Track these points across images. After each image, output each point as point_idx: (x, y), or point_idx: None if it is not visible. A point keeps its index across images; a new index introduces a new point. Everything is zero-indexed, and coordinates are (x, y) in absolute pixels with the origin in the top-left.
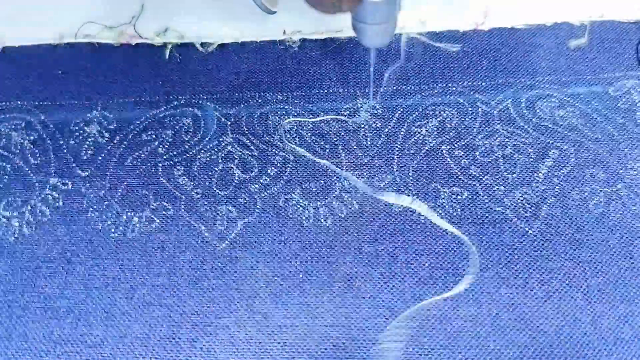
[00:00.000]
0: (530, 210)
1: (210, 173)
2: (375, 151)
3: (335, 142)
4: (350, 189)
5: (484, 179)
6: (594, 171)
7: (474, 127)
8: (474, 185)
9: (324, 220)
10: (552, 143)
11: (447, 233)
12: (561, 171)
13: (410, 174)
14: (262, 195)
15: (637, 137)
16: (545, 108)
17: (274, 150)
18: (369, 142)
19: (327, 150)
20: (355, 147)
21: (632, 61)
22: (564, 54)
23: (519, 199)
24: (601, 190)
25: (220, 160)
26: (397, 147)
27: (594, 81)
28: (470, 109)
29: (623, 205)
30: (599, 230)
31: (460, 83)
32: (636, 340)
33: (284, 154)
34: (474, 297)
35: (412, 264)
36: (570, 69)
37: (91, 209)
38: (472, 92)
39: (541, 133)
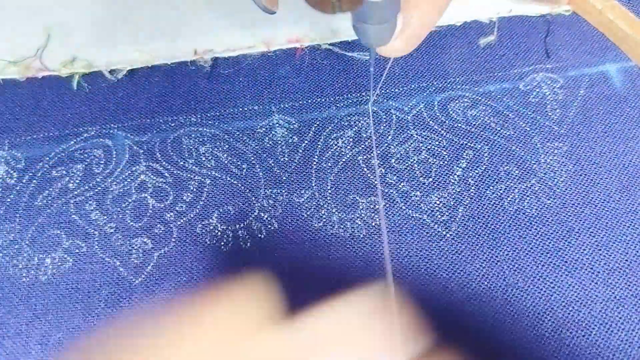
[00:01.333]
0: (447, 213)
1: (124, 205)
2: (293, 167)
3: (253, 161)
4: (269, 207)
5: (400, 186)
6: (507, 168)
7: (389, 135)
8: (391, 193)
9: (244, 243)
10: (465, 144)
11: (366, 244)
12: (475, 171)
13: (328, 188)
14: (178, 223)
15: (548, 130)
16: (458, 109)
17: (189, 175)
18: (286, 159)
19: (245, 170)
20: (272, 164)
21: (540, 55)
22: (475, 53)
23: (435, 203)
24: (515, 187)
25: (133, 191)
26: (314, 161)
27: (504, 78)
28: (384, 116)
29: (537, 200)
30: (515, 227)
31: (373, 91)
32: (555, 335)
33: (199, 178)
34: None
35: (333, 279)
36: (481, 67)
37: (1, 254)
38: (385, 100)
39: (455, 135)
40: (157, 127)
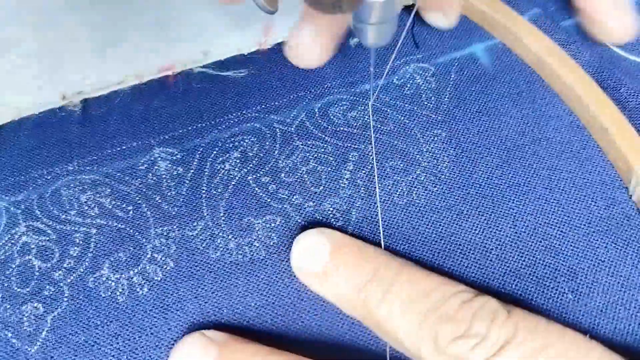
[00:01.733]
0: (341, 219)
1: (8, 272)
2: (181, 200)
3: (138, 202)
4: (162, 247)
5: (293, 200)
6: (392, 163)
7: (275, 150)
8: (285, 208)
9: (140, 289)
10: (350, 146)
11: (267, 266)
12: (363, 171)
13: (221, 215)
14: (68, 280)
15: (426, 119)
16: (338, 113)
17: (73, 228)
18: (173, 192)
19: (131, 212)
20: (160, 200)
21: (409, 46)
22: (347, 55)
23: (329, 210)
24: (402, 180)
25: (16, 255)
26: (203, 189)
27: (378, 74)
28: (268, 132)
29: (425, 189)
30: (407, 220)
31: (253, 108)
32: None
33: (84, 229)
34: None
35: (237, 307)
36: (354, 68)
37: None
38: (267, 114)
39: (338, 139)
40: (32, 182)
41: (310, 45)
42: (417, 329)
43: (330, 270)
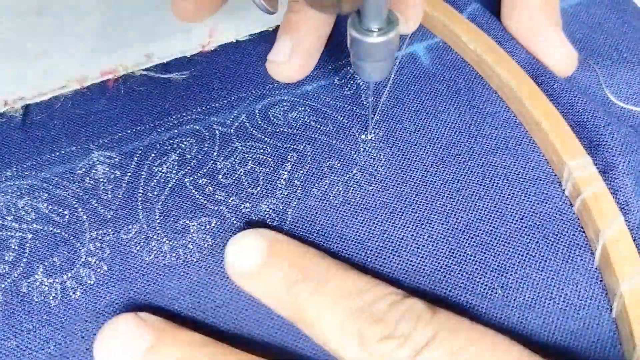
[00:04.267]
0: (277, 219)
1: None
2: (117, 203)
3: (75, 206)
4: (97, 250)
5: (230, 201)
6: (330, 163)
7: (214, 151)
8: (221, 210)
9: (73, 293)
10: (289, 146)
11: (200, 268)
12: (300, 172)
13: (156, 217)
14: (2, 286)
15: (364, 119)
16: (279, 114)
17: (9, 234)
18: (110, 196)
19: (67, 217)
20: (96, 204)
21: None
22: None
23: (265, 211)
24: (339, 180)
25: None
26: (139, 192)
27: (320, 75)
28: (207, 133)
29: (360, 188)
30: (341, 219)
31: (194, 110)
32: None
33: (20, 234)
34: None
35: (169, 310)
36: None
37: None
38: (207, 116)
39: (278, 140)
40: None
41: (289, 60)
42: (344, 329)
43: (262, 270)
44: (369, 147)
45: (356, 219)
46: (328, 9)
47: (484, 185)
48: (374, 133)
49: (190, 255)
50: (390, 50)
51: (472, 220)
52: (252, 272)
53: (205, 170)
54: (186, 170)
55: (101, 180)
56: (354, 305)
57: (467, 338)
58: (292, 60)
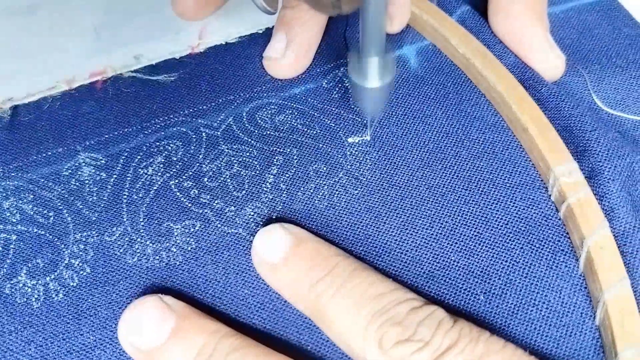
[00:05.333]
0: (262, 223)
1: None
2: (102, 205)
3: (60, 207)
4: (80, 252)
5: (214, 204)
6: (316, 167)
7: (200, 154)
8: (205, 213)
9: (55, 295)
10: (275, 150)
11: (183, 271)
12: (286, 175)
13: (141, 220)
14: None
15: (352, 122)
16: (266, 117)
17: None
18: (95, 198)
19: (52, 218)
20: (81, 206)
21: (342, 49)
22: None
23: (250, 215)
24: (324, 184)
25: None
26: (125, 195)
27: (308, 79)
28: (194, 136)
29: (346, 192)
30: (325, 222)
31: (181, 112)
32: None
33: (5, 235)
34: None
35: None
36: None
37: None
38: (194, 119)
39: (264, 143)
40: None
41: (284, 56)
42: (364, 330)
43: (288, 263)
44: (356, 151)
45: (340, 223)
46: (327, 9)
47: (470, 190)
48: (363, 135)
49: (174, 259)
50: (386, 93)
51: (457, 225)
52: (277, 264)
53: (190, 173)
54: (172, 172)
55: (87, 182)
56: (375, 307)
57: (487, 348)
58: (286, 56)
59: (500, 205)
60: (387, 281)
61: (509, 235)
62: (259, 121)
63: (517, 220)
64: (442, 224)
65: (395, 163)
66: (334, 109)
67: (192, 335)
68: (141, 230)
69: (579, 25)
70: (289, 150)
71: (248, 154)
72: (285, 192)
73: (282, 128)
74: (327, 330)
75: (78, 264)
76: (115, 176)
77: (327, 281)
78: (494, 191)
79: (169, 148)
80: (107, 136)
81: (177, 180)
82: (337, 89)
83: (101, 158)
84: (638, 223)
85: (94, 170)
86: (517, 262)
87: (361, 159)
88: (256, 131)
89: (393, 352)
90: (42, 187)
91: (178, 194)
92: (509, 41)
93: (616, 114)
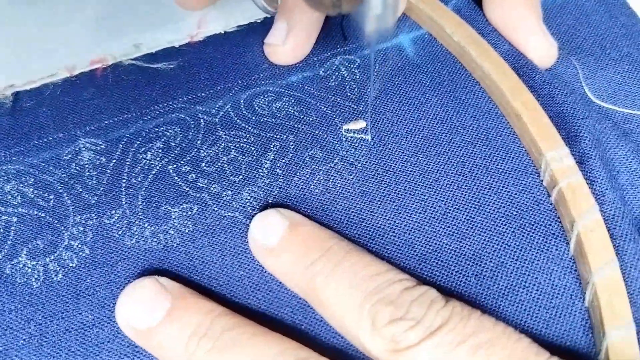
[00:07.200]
0: (257, 207)
1: None
2: (102, 189)
3: (60, 191)
4: (79, 234)
5: (211, 188)
6: (312, 152)
7: (198, 139)
8: (203, 197)
9: (55, 275)
10: (272, 136)
11: (180, 252)
12: (283, 161)
13: (139, 203)
14: None
15: (348, 110)
16: (264, 104)
17: None
18: (94, 181)
19: (52, 201)
20: (80, 190)
21: (338, 39)
22: None
23: (246, 199)
24: (320, 169)
25: None
26: (124, 179)
27: (305, 67)
28: (192, 122)
29: (341, 177)
30: (321, 207)
31: (180, 99)
32: None
33: (6, 217)
34: None
35: None
36: None
37: None
38: (192, 105)
39: (262, 129)
40: None
41: (285, 43)
42: (358, 309)
43: (284, 246)
44: (351, 138)
45: (335, 207)
46: (328, 8)
47: (463, 175)
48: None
49: (171, 241)
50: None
51: (450, 210)
52: (274, 248)
53: (188, 158)
54: (170, 157)
55: (86, 166)
56: (369, 287)
57: (479, 326)
58: (287, 43)
59: (492, 190)
60: (381, 263)
61: (500, 220)
62: (257, 108)
63: (509, 205)
64: (435, 208)
65: (389, 149)
66: (330, 96)
67: (187, 314)
68: (139, 213)
69: (575, 11)
70: (285, 136)
71: (245, 139)
72: (281, 177)
73: (279, 115)
74: (322, 311)
75: (77, 246)
76: (114, 161)
77: (322, 262)
78: (487, 176)
79: (168, 134)
80: (107, 122)
81: (175, 165)
82: (333, 77)
83: (101, 143)
84: (627, 208)
85: (93, 155)
86: (508, 246)
87: (357, 144)
88: (253, 118)
89: (386, 330)
90: (42, 171)
91: (176, 178)
92: (503, 29)
93: (606, 107)
